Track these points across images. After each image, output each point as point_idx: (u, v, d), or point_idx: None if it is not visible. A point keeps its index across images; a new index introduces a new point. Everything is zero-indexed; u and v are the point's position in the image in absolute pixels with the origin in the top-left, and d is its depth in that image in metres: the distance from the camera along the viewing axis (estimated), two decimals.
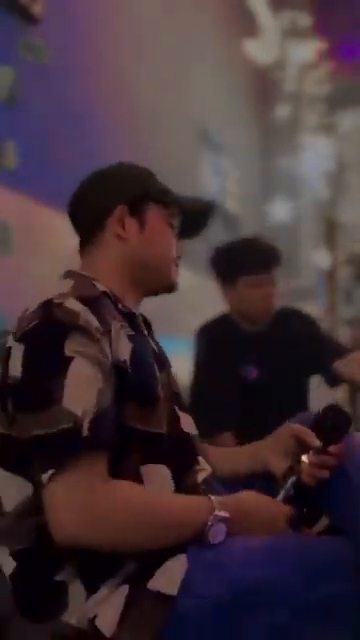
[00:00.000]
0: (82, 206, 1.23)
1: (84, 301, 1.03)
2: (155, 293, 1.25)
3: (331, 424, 1.14)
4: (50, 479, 0.95)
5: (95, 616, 0.97)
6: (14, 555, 1.03)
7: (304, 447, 1.14)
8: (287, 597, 1.00)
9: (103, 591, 0.99)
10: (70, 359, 0.98)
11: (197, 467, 1.18)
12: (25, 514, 1.02)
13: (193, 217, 1.31)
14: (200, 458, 1.20)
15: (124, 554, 1.00)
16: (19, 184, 1.90)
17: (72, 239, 1.23)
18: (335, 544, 1.07)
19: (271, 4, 4.39)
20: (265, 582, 1.00)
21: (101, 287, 1.11)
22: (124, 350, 1.06)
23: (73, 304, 1.02)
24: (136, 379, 1.06)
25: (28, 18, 1.97)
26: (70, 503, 0.94)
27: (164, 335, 1.35)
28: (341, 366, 2.19)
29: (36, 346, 1.01)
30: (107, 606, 0.97)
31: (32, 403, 0.97)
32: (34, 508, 1.00)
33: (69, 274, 1.16)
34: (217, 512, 1.03)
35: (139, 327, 1.16)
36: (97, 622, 0.97)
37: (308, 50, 4.67)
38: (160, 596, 0.97)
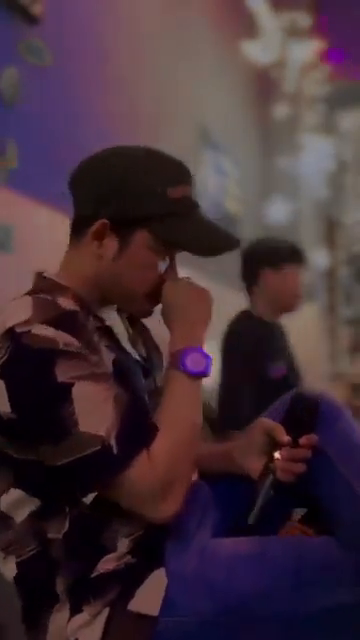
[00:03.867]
0: (75, 193, 1.11)
1: (53, 323, 0.96)
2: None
3: (299, 415, 1.10)
4: (108, 494, 0.96)
5: (76, 639, 0.95)
6: (18, 564, 1.02)
7: (276, 443, 1.09)
8: (279, 611, 0.94)
9: (84, 615, 0.96)
10: (69, 385, 0.94)
11: None
12: (30, 526, 1.00)
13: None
14: None
15: (108, 576, 0.97)
16: (19, 184, 1.90)
17: None
18: (333, 552, 1.00)
19: (271, 4, 4.40)
20: (254, 595, 0.94)
21: (68, 304, 1.02)
22: (107, 361, 1.02)
23: (43, 330, 0.95)
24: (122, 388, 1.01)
25: (28, 18, 1.97)
26: (142, 501, 0.96)
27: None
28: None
29: (21, 379, 0.95)
30: (87, 630, 0.95)
31: (47, 437, 0.94)
32: (37, 520, 0.99)
33: (38, 283, 1.09)
34: (181, 366, 1.02)
35: (115, 340, 1.10)
36: None
37: (308, 50, 4.67)
38: (141, 617, 0.94)
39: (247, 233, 4.26)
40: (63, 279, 1.08)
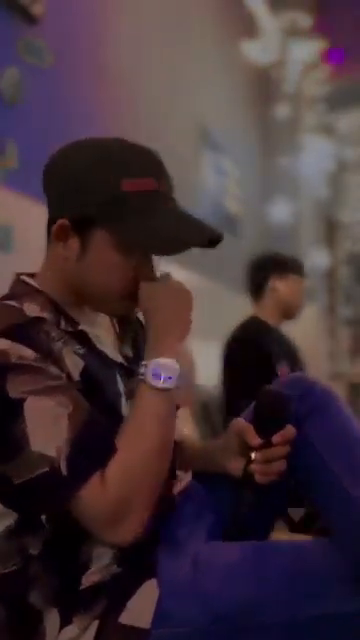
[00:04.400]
0: (44, 191, 1.05)
1: (9, 334, 0.92)
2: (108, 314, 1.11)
3: (266, 413, 1.03)
4: (69, 511, 0.90)
5: None
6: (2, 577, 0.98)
7: (249, 447, 1.03)
8: (274, 619, 0.91)
9: (73, 628, 0.92)
10: (21, 401, 0.89)
11: (172, 480, 1.08)
12: (8, 538, 0.97)
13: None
14: (177, 471, 1.11)
15: (93, 589, 0.94)
16: (19, 184, 1.90)
17: None
18: (331, 557, 0.96)
19: (271, 4, 4.39)
20: (249, 603, 0.91)
21: (34, 310, 0.98)
22: (72, 368, 0.96)
23: None
24: (90, 394, 0.96)
25: (28, 18, 1.97)
26: (97, 524, 0.91)
27: None
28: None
29: None
30: None
31: (1, 455, 0.90)
32: (15, 535, 0.96)
33: (14, 284, 1.06)
34: (150, 382, 0.95)
35: (91, 345, 1.04)
36: None
37: (308, 50, 4.67)
38: (133, 630, 0.90)
39: (247, 233, 4.25)
40: (40, 281, 1.05)
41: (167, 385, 0.95)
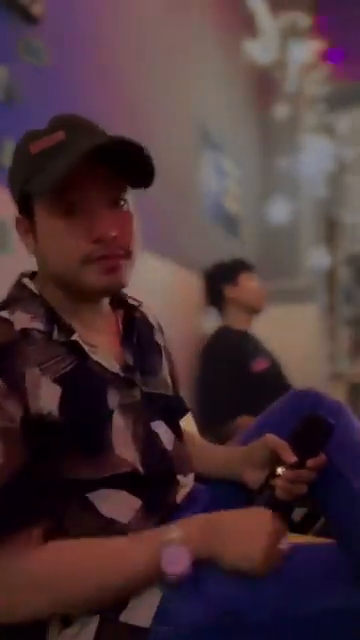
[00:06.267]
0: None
1: None
2: (95, 299, 1.07)
3: (311, 437, 1.03)
4: None
5: None
6: None
7: (280, 460, 1.04)
8: (274, 615, 0.90)
9: (74, 628, 0.93)
10: None
11: (175, 487, 1.08)
12: None
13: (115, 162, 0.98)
14: (180, 476, 1.10)
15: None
16: None
17: None
18: (331, 555, 0.97)
19: (271, 4, 4.39)
20: (248, 599, 0.90)
21: (24, 320, 0.96)
22: (48, 399, 0.92)
23: None
24: (71, 427, 0.93)
25: (28, 18, 1.97)
26: None
27: None
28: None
29: None
30: None
31: None
32: None
33: (15, 284, 1.06)
34: (165, 536, 0.89)
35: (84, 356, 1.00)
36: None
37: (308, 50, 4.66)
38: (133, 629, 0.89)
39: (247, 233, 4.25)
40: (38, 283, 1.06)
41: (174, 570, 0.89)
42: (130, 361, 1.10)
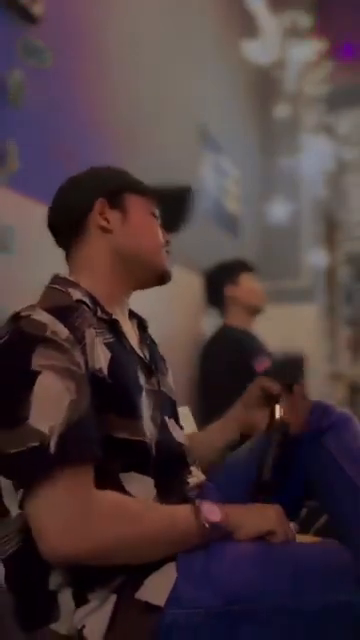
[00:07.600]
0: (61, 210, 1.24)
1: (52, 311, 0.99)
2: (147, 285, 1.25)
3: (287, 370, 1.25)
4: (27, 500, 0.92)
5: (83, 626, 0.96)
6: (6, 559, 1.01)
7: (271, 397, 1.22)
8: (280, 605, 0.95)
9: (93, 602, 0.97)
10: (36, 374, 0.93)
11: (187, 476, 1.16)
12: (19, 520, 0.99)
13: (173, 206, 1.30)
14: (193, 468, 1.19)
15: (114, 566, 0.97)
16: (20, 185, 1.90)
17: None
18: (333, 551, 1.03)
19: (271, 4, 4.39)
20: (256, 587, 0.96)
21: (77, 294, 1.09)
22: (101, 359, 1.02)
23: (40, 315, 0.98)
24: (115, 389, 1.02)
25: (28, 18, 1.97)
26: (54, 524, 0.91)
27: None
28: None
29: (4, 363, 0.97)
30: (95, 616, 0.96)
31: (2, 422, 0.93)
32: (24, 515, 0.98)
33: (54, 280, 1.16)
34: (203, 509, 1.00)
35: (120, 334, 1.13)
36: (85, 632, 0.96)
37: (308, 50, 4.67)
38: (148, 606, 0.95)
39: (247, 233, 4.26)
40: (74, 279, 1.16)
41: (214, 520, 1.01)
42: (147, 355, 1.23)
